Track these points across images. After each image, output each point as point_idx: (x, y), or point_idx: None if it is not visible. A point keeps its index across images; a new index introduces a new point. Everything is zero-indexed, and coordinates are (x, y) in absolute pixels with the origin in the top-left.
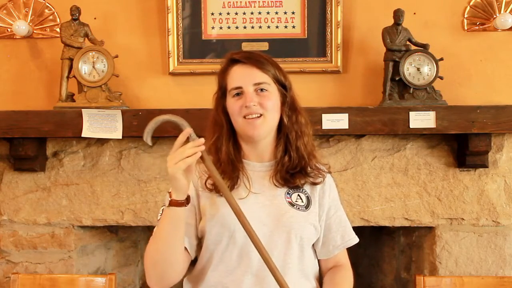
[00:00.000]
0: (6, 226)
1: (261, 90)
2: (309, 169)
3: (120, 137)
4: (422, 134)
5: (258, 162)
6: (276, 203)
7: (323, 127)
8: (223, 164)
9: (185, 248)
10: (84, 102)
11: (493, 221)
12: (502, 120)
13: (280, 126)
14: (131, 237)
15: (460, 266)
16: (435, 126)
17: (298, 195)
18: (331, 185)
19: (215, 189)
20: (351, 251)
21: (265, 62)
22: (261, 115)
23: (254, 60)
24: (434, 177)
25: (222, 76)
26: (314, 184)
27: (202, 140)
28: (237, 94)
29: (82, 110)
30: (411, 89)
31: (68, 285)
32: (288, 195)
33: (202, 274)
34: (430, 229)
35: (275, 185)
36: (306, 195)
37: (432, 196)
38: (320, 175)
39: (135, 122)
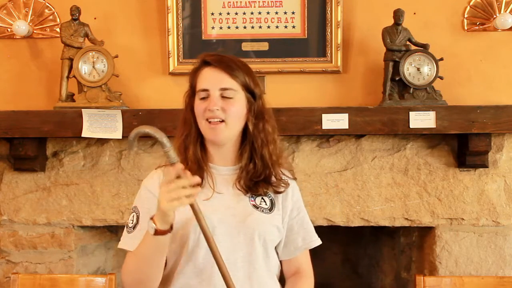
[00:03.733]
0: (6, 226)
1: (227, 96)
2: (273, 178)
3: (120, 137)
4: (422, 134)
5: (223, 165)
6: (241, 205)
7: (323, 127)
8: (190, 163)
9: None
10: (84, 102)
11: (493, 221)
12: (502, 120)
13: (246, 132)
14: None
15: (460, 266)
16: (435, 126)
17: (262, 198)
18: (294, 188)
19: None
20: (351, 251)
21: (235, 68)
22: (223, 120)
23: (225, 64)
24: (434, 177)
25: (193, 76)
26: (277, 193)
27: (199, 179)
28: (203, 97)
29: (82, 110)
30: (411, 89)
31: (68, 285)
32: (252, 198)
33: (169, 277)
34: (430, 229)
35: (239, 189)
36: (270, 198)
37: (432, 196)
38: (283, 185)
39: (135, 122)
